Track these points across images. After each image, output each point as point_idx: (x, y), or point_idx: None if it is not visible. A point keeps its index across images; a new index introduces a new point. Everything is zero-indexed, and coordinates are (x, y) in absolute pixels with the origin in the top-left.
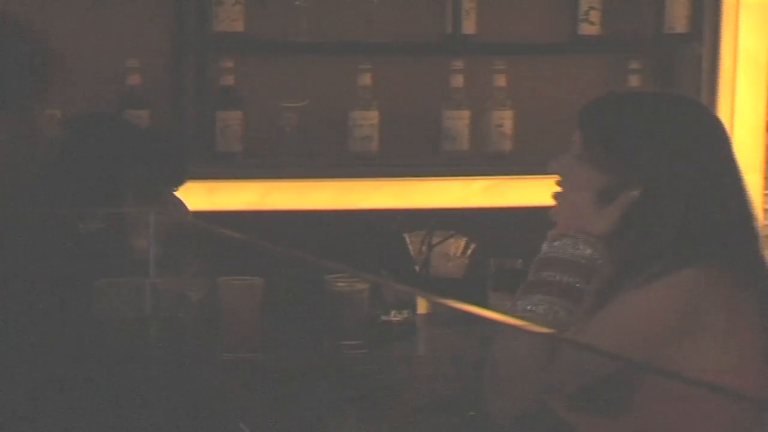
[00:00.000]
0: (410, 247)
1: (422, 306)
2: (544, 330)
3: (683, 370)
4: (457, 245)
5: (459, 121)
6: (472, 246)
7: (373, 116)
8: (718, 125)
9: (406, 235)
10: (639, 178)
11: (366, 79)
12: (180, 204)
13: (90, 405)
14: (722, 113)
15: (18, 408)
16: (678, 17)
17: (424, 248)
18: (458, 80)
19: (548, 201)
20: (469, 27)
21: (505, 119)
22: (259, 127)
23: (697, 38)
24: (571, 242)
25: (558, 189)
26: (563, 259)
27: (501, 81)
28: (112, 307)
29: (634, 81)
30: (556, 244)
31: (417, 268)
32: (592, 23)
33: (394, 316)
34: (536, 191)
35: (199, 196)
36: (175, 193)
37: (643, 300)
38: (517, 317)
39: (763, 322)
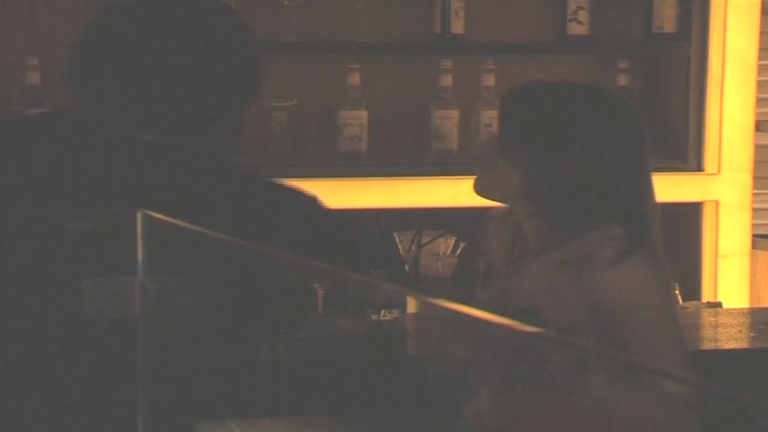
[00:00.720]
0: (399, 247)
1: (412, 305)
2: (535, 330)
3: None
4: (446, 245)
5: (448, 120)
6: (462, 245)
7: (362, 116)
8: (630, 119)
9: (395, 235)
10: (549, 171)
11: (355, 79)
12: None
13: (78, 404)
14: (711, 113)
15: (5, 407)
16: (666, 17)
17: (413, 248)
18: (447, 80)
19: None
20: (457, 27)
21: (494, 119)
22: (247, 126)
23: (686, 38)
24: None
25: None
26: None
27: (490, 80)
28: (100, 306)
29: (622, 80)
30: None
31: (406, 267)
32: (580, 23)
33: (384, 316)
34: None
35: None
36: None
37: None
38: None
39: None
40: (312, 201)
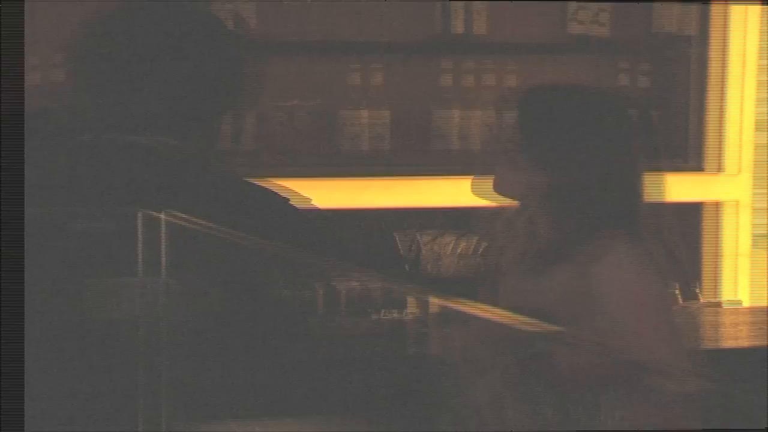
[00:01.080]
0: (400, 246)
1: (412, 305)
2: (536, 327)
3: None
4: (446, 244)
5: (449, 120)
6: (462, 245)
7: (363, 115)
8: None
9: (395, 234)
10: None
11: (356, 78)
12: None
13: (80, 403)
14: (711, 113)
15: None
16: (667, 17)
17: (413, 247)
18: (447, 80)
19: None
20: (458, 26)
21: (493, 119)
22: (248, 126)
23: (687, 38)
24: None
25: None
26: None
27: (490, 80)
28: (100, 306)
29: (622, 80)
30: None
31: (407, 266)
32: (581, 23)
33: (384, 316)
34: None
35: None
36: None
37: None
38: None
39: None
40: (284, 201)
